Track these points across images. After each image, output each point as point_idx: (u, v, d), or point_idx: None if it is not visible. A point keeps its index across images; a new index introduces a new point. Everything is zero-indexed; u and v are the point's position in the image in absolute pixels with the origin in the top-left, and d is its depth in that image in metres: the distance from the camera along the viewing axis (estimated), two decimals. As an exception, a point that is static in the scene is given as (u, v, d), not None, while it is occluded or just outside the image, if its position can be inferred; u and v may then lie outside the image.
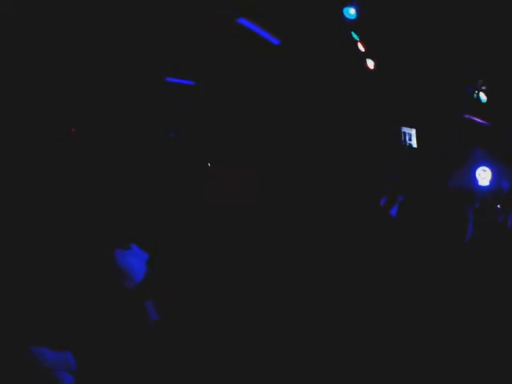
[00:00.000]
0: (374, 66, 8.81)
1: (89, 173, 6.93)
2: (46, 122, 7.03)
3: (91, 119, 8.13)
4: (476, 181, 6.79)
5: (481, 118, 7.02)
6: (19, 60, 6.35)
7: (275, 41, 9.10)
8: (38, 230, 5.39)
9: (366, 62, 9.04)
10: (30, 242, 5.04)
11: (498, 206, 6.56)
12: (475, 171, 6.81)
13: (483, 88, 6.88)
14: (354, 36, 8.63)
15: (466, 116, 7.13)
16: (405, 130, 8.94)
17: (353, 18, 8.28)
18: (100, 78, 7.90)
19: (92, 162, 7.41)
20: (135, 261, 4.34)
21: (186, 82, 9.93)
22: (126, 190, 6.93)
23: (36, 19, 6.18)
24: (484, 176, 6.71)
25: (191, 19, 8.23)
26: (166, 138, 9.21)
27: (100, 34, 7.44)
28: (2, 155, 5.92)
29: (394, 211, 7.31)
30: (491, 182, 6.70)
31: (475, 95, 7.01)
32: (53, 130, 7.06)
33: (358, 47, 8.79)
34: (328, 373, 4.26)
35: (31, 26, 6.13)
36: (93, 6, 6.98)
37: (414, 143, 8.37)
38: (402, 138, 8.84)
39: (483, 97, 6.95)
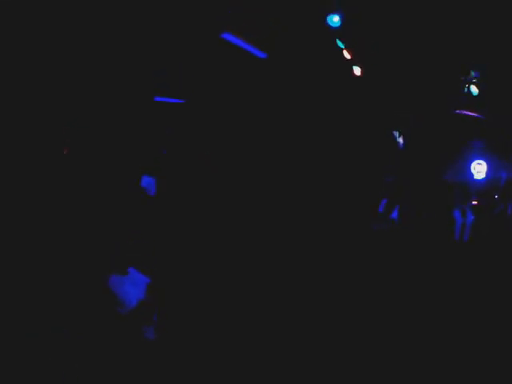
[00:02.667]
0: (361, 72, 8.87)
1: (85, 188, 6.85)
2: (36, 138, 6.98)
3: (81, 139, 8.08)
4: (471, 175, 6.77)
5: (473, 111, 7.04)
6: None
7: (261, 54, 9.16)
8: (32, 248, 5.30)
9: (352, 69, 9.10)
10: (22, 261, 4.95)
11: (496, 196, 6.55)
12: (470, 165, 6.80)
13: (474, 81, 6.90)
14: (339, 44, 8.69)
15: (458, 111, 7.14)
16: (396, 133, 8.96)
17: (337, 25, 8.35)
18: (88, 97, 7.88)
19: (86, 180, 7.33)
20: (130, 288, 4.27)
21: (175, 100, 9.93)
22: (126, 207, 6.83)
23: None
24: (479, 169, 6.70)
25: (176, 37, 8.27)
26: (159, 155, 9.16)
27: (84, 49, 7.45)
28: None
29: (394, 215, 7.29)
30: (487, 174, 6.69)
31: (466, 89, 7.03)
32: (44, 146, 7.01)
33: (343, 55, 8.86)
34: (328, 373, 4.22)
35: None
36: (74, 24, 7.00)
37: (405, 143, 8.38)
38: (395, 141, 8.84)
39: (475, 90, 6.97)
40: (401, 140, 8.80)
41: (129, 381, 3.69)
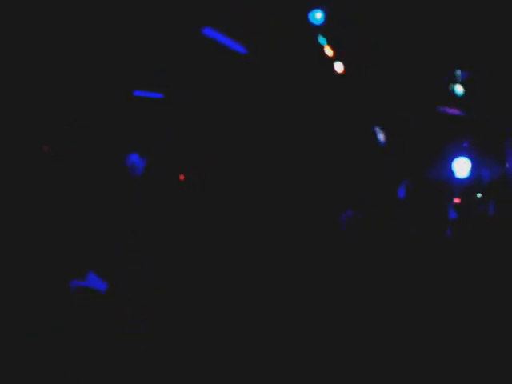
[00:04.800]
0: (344, 68, 8.87)
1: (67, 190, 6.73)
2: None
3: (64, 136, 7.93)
4: (454, 173, 6.84)
5: (456, 109, 7.10)
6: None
7: (242, 49, 9.08)
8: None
9: (333, 66, 9.08)
10: (22, 261, 4.86)
11: (479, 195, 6.63)
12: (453, 163, 6.87)
13: (459, 80, 6.94)
14: (321, 40, 8.66)
15: (441, 109, 7.20)
16: (378, 130, 9.01)
17: (319, 22, 8.31)
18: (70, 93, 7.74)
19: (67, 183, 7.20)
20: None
21: (154, 95, 9.81)
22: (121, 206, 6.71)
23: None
24: (462, 167, 6.77)
25: (156, 31, 8.17)
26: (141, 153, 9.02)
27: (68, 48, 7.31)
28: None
29: (401, 193, 7.26)
30: (471, 172, 6.76)
31: (450, 88, 7.08)
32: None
33: (324, 52, 8.84)
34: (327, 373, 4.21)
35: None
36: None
37: (386, 141, 8.43)
38: (376, 138, 8.90)
39: (459, 89, 7.02)
40: (381, 137, 8.86)
41: (129, 381, 3.64)
